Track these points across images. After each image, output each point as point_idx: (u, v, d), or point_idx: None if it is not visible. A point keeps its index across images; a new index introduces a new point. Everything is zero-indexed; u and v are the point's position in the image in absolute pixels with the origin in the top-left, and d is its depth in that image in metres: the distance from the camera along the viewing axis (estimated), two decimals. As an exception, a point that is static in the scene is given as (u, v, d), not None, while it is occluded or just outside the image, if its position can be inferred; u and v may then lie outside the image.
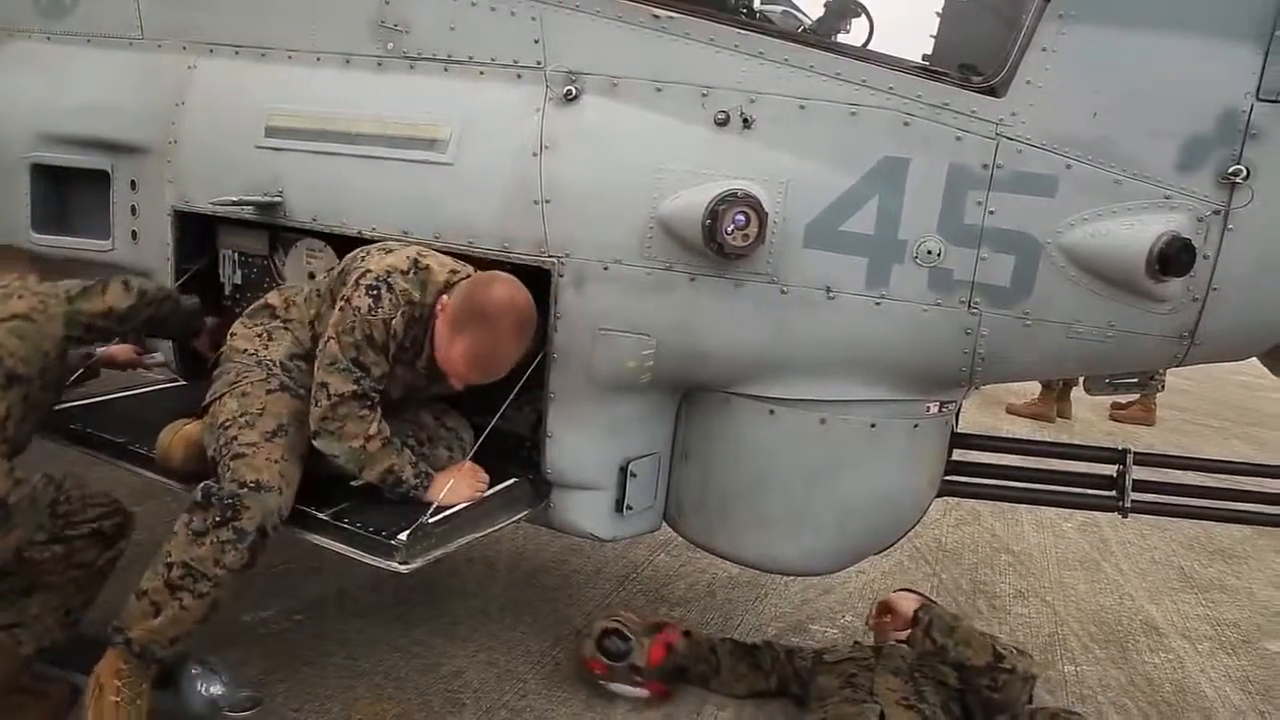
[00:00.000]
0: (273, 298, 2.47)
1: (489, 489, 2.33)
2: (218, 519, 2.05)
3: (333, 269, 2.39)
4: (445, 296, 2.21)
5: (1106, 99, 2.05)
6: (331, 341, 2.16)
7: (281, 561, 3.37)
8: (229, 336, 2.44)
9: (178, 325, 2.75)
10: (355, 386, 2.14)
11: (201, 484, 2.13)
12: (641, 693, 2.73)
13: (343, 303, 2.17)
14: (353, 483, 2.30)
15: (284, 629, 2.99)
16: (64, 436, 2.56)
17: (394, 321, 2.15)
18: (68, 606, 2.29)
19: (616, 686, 2.75)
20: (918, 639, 2.63)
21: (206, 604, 2.07)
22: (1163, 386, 7.09)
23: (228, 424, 2.21)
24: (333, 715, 2.56)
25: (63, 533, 2.18)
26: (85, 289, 2.42)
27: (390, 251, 2.24)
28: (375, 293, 2.14)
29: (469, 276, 2.26)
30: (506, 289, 2.16)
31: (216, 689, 2.29)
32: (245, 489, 2.08)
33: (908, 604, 2.73)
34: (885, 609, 2.82)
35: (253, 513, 2.06)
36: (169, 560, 2.07)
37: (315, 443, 2.18)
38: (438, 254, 2.28)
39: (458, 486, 2.24)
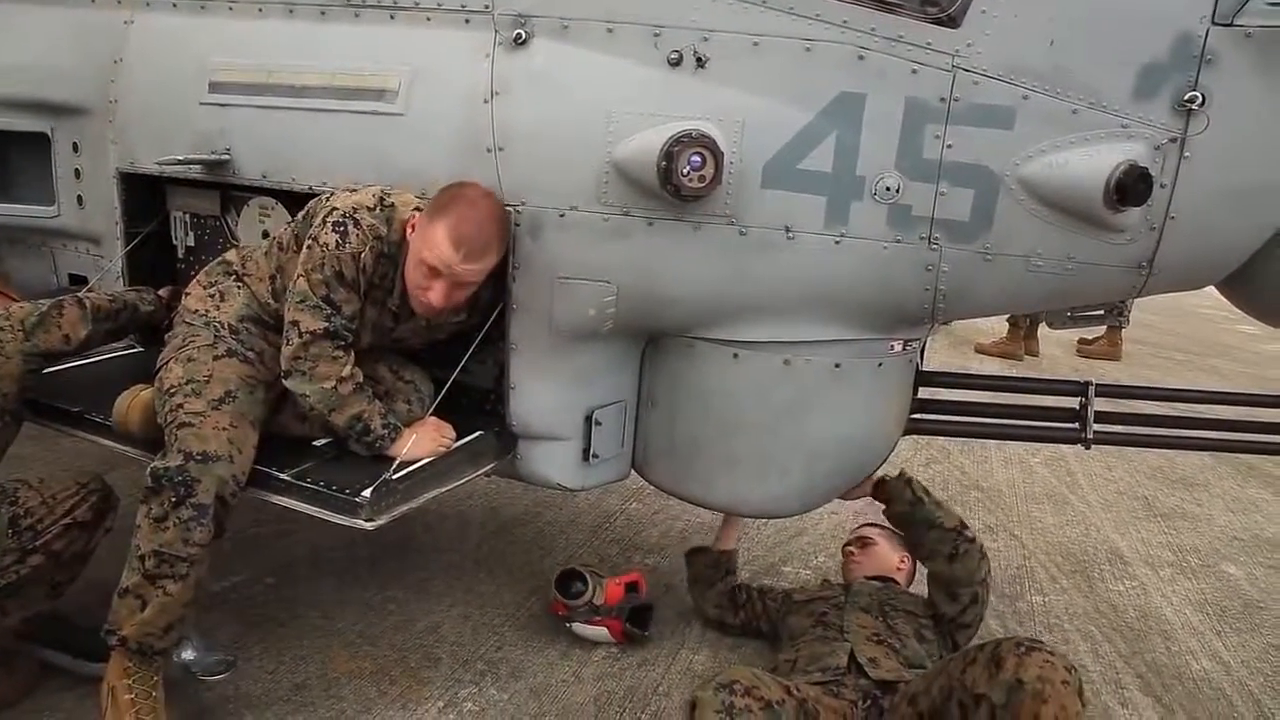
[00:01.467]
0: (231, 255, 2.43)
1: (454, 443, 2.31)
2: (173, 499, 2.01)
3: (292, 221, 2.33)
4: (415, 215, 2.17)
5: (1063, 27, 2.02)
6: (301, 279, 2.12)
7: (251, 525, 3.35)
8: (183, 295, 2.39)
9: (140, 326, 2.69)
10: (326, 324, 2.11)
11: (149, 468, 2.07)
12: (601, 631, 2.77)
13: (310, 241, 2.13)
14: (315, 443, 2.28)
15: (256, 592, 2.98)
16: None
17: (363, 255, 2.12)
18: (55, 579, 2.28)
19: (578, 627, 2.78)
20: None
21: (190, 585, 2.05)
22: (1128, 321, 7.17)
23: (173, 391, 2.17)
24: (308, 674, 2.57)
25: (33, 544, 2.15)
26: (42, 318, 2.36)
27: (355, 191, 2.20)
28: (342, 229, 2.10)
29: None
30: (478, 185, 2.15)
31: (188, 654, 2.29)
32: (192, 461, 2.03)
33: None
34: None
35: (205, 485, 2.02)
36: (140, 553, 2.03)
37: (286, 382, 2.15)
38: (398, 191, 2.23)
39: (421, 441, 2.22)
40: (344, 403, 2.14)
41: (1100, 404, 2.80)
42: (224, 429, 2.10)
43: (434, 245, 2.08)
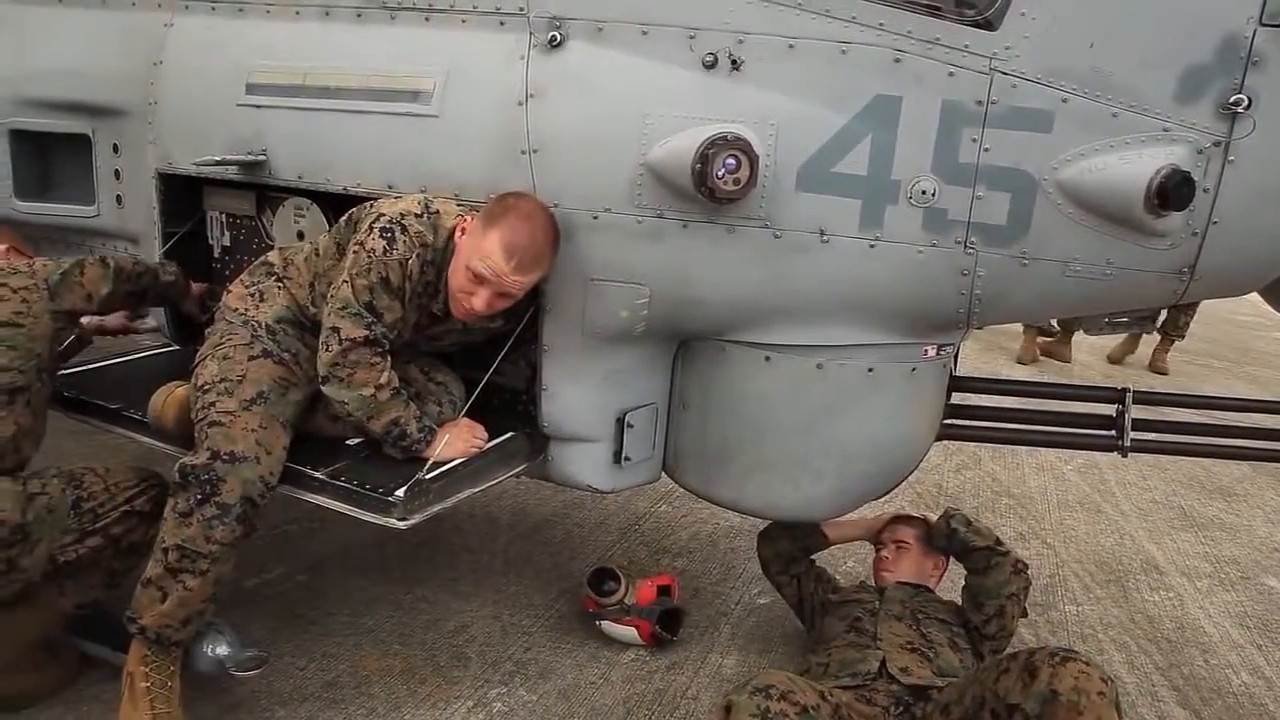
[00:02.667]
0: (273, 256, 2.45)
1: (486, 444, 2.32)
2: (199, 497, 2.04)
3: (333, 228, 2.34)
4: (465, 221, 2.18)
5: (1103, 29, 2.00)
6: (345, 285, 2.12)
7: (283, 523, 3.39)
8: (225, 293, 2.42)
9: (159, 296, 2.73)
10: (367, 332, 2.11)
11: (178, 463, 2.11)
12: (630, 631, 2.77)
13: (356, 247, 2.14)
14: (349, 441, 2.30)
15: (288, 589, 3.01)
16: (59, 405, 2.55)
17: (409, 263, 2.13)
18: (113, 567, 2.34)
19: (607, 625, 2.79)
20: (939, 527, 2.73)
21: (209, 581, 2.08)
22: (1183, 336, 7.11)
23: (207, 388, 2.20)
24: (339, 672, 2.59)
25: (93, 525, 2.20)
26: (64, 275, 2.40)
27: (399, 199, 2.21)
28: (390, 235, 2.11)
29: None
30: (533, 198, 2.15)
31: (222, 649, 2.31)
32: (219, 460, 2.06)
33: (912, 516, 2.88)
34: (898, 522, 2.90)
35: (230, 485, 2.05)
36: (164, 545, 2.07)
37: (324, 388, 2.16)
38: (441, 198, 2.25)
39: (454, 442, 2.23)
40: (381, 409, 2.15)
41: (1137, 411, 2.76)
42: (253, 430, 2.12)
43: (486, 254, 2.09)
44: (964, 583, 2.70)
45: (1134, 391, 2.75)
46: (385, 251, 2.10)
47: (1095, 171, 2.02)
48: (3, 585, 2.09)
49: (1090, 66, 2.00)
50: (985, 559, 2.61)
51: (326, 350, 2.13)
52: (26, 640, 2.24)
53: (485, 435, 2.32)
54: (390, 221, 2.13)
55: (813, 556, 2.93)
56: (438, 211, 2.18)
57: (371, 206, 2.22)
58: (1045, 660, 1.85)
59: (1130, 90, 1.99)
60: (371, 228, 2.13)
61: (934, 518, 2.82)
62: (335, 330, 2.12)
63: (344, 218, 2.30)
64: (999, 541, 2.66)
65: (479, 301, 2.14)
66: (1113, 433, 2.76)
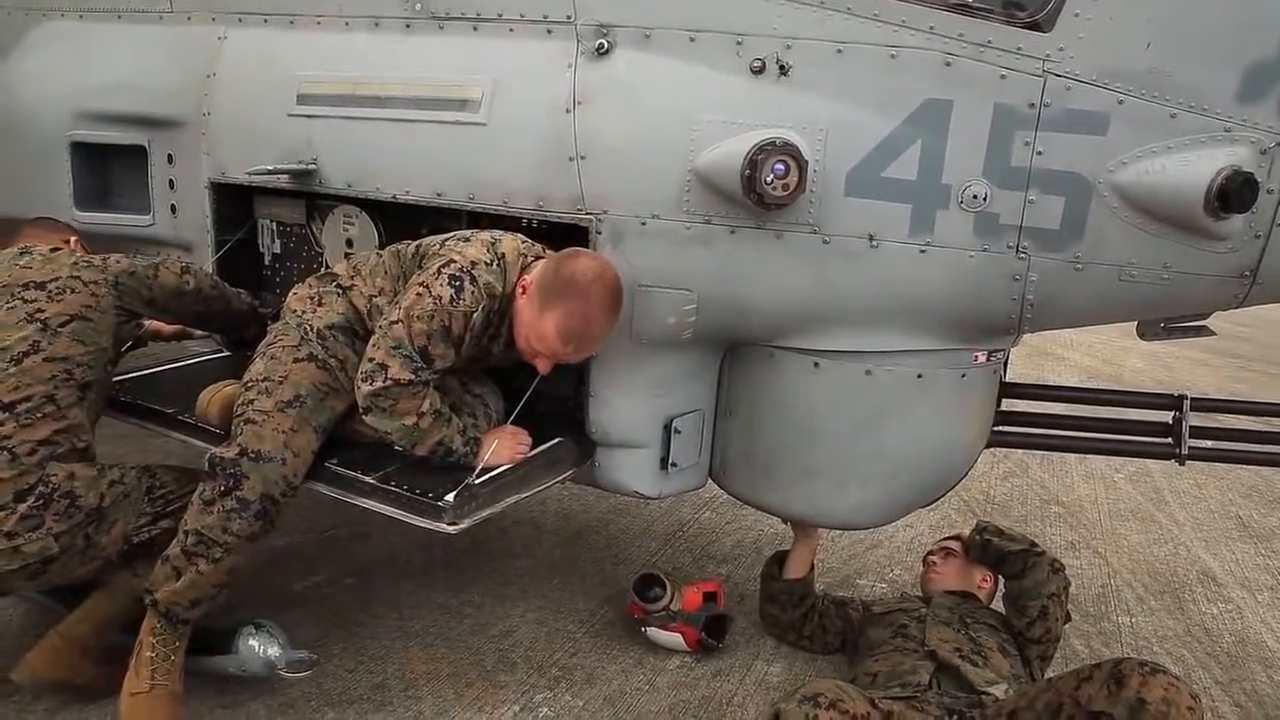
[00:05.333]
0: (340, 268, 2.45)
1: (532, 449, 2.32)
2: (221, 489, 2.10)
3: (399, 251, 2.36)
4: (525, 277, 2.19)
5: (1160, 28, 1.96)
6: (399, 325, 2.11)
7: (331, 527, 3.43)
8: (290, 295, 2.46)
9: (228, 322, 2.78)
10: (413, 376, 2.10)
11: (209, 453, 2.17)
12: (675, 638, 2.76)
13: (421, 288, 2.12)
14: (396, 446, 2.31)
15: (336, 593, 3.04)
16: (115, 408, 2.60)
17: (474, 316, 2.13)
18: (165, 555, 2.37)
19: (652, 631, 2.78)
20: (971, 539, 2.75)
21: (223, 569, 2.13)
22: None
23: (250, 385, 2.25)
24: (386, 675, 2.61)
25: (164, 510, 2.26)
26: (134, 274, 2.46)
27: (467, 241, 2.22)
28: (459, 284, 2.11)
29: (540, 255, 2.25)
30: (593, 260, 2.14)
31: (274, 651, 2.36)
32: (246, 457, 2.11)
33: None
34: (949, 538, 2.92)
35: (252, 482, 2.10)
36: (185, 528, 2.14)
37: (366, 418, 2.16)
38: (506, 235, 2.25)
39: (500, 450, 2.24)
40: (425, 435, 2.15)
41: (1195, 418, 2.70)
42: (283, 431, 2.16)
43: (543, 337, 2.13)
44: (1005, 591, 2.68)
45: (1191, 398, 2.69)
46: (452, 301, 2.10)
47: (1153, 174, 1.98)
48: (84, 562, 2.15)
49: (1147, 67, 1.97)
50: (1021, 562, 2.61)
51: (369, 383, 2.11)
52: (102, 621, 2.31)
53: (529, 441, 2.33)
54: (460, 270, 2.12)
55: (814, 601, 2.87)
56: (503, 255, 2.19)
57: (440, 247, 2.22)
58: (1134, 669, 1.83)
59: (1189, 90, 1.96)
60: (440, 272, 2.12)
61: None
62: (383, 367, 2.10)
63: (412, 246, 2.32)
64: (1033, 544, 2.65)
65: (543, 366, 2.22)
66: (1169, 440, 2.70)
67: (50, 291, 2.27)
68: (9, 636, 2.61)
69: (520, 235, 2.29)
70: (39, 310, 2.23)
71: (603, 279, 2.12)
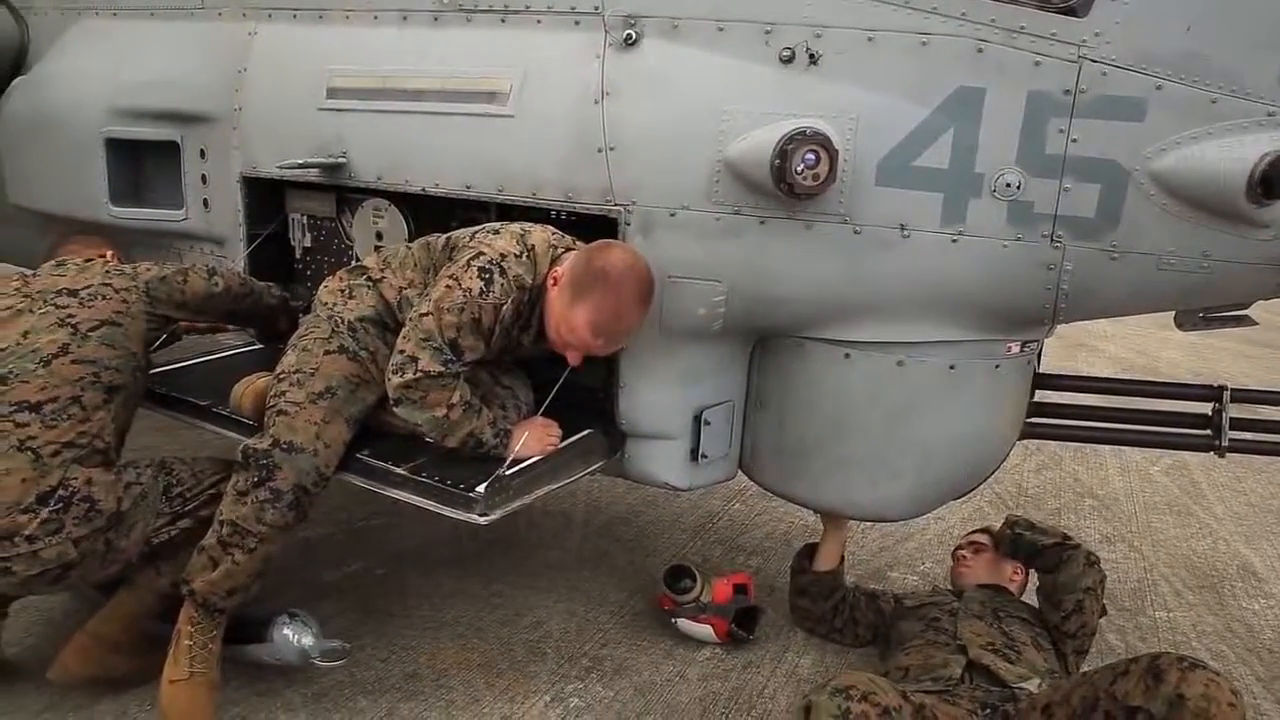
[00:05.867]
0: (370, 260, 2.47)
1: (562, 441, 2.33)
2: (255, 480, 2.13)
3: (428, 244, 2.37)
4: (556, 269, 2.20)
5: (1200, 11, 1.92)
6: (429, 318, 2.11)
7: (362, 518, 3.46)
8: (321, 288, 2.48)
9: (259, 317, 2.82)
10: (443, 368, 2.10)
11: (242, 444, 2.19)
12: (705, 629, 2.75)
13: (451, 280, 2.13)
14: (428, 438, 2.32)
15: (368, 583, 3.07)
16: (150, 400, 2.64)
17: (504, 308, 2.14)
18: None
19: (683, 623, 2.78)
20: (1001, 533, 2.71)
21: (257, 558, 2.16)
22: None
23: (282, 377, 2.27)
24: (418, 664, 2.63)
25: (183, 509, 2.29)
26: (164, 280, 2.50)
27: (497, 233, 2.22)
28: (488, 276, 2.11)
29: (571, 247, 2.25)
30: (624, 253, 2.14)
31: (307, 640, 2.38)
32: (278, 449, 2.14)
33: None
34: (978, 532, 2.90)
35: (285, 473, 2.12)
36: (220, 518, 2.17)
37: (397, 410, 2.18)
38: (536, 227, 2.26)
39: (530, 442, 2.25)
40: (455, 427, 2.16)
41: (1234, 410, 2.65)
42: (315, 423, 2.18)
43: (574, 329, 2.15)
44: (1038, 585, 2.65)
45: (1231, 389, 2.64)
46: (482, 293, 2.11)
47: (1192, 160, 1.95)
48: (105, 565, 2.18)
49: (1186, 51, 1.93)
50: (1056, 556, 2.57)
51: (399, 375, 2.11)
52: (128, 619, 2.35)
53: (559, 432, 2.33)
54: (490, 262, 2.13)
55: (843, 593, 2.86)
56: (533, 247, 2.19)
57: (470, 239, 2.23)
58: (1172, 664, 1.79)
59: (1230, 74, 1.92)
60: (470, 264, 2.13)
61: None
62: (413, 360, 2.10)
63: (442, 239, 2.33)
64: (1067, 537, 2.61)
65: (574, 357, 2.23)
66: (1208, 432, 2.65)
67: (82, 298, 2.33)
68: (51, 623, 2.66)
69: (550, 227, 2.29)
70: (70, 315, 2.28)
71: (634, 271, 2.12)
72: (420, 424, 2.17)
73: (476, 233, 2.26)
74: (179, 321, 2.61)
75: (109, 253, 2.71)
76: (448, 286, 2.13)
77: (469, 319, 2.11)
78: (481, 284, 2.11)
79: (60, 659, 2.30)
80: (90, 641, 2.32)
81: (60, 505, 2.07)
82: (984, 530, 2.89)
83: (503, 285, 2.12)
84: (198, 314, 2.60)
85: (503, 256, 2.14)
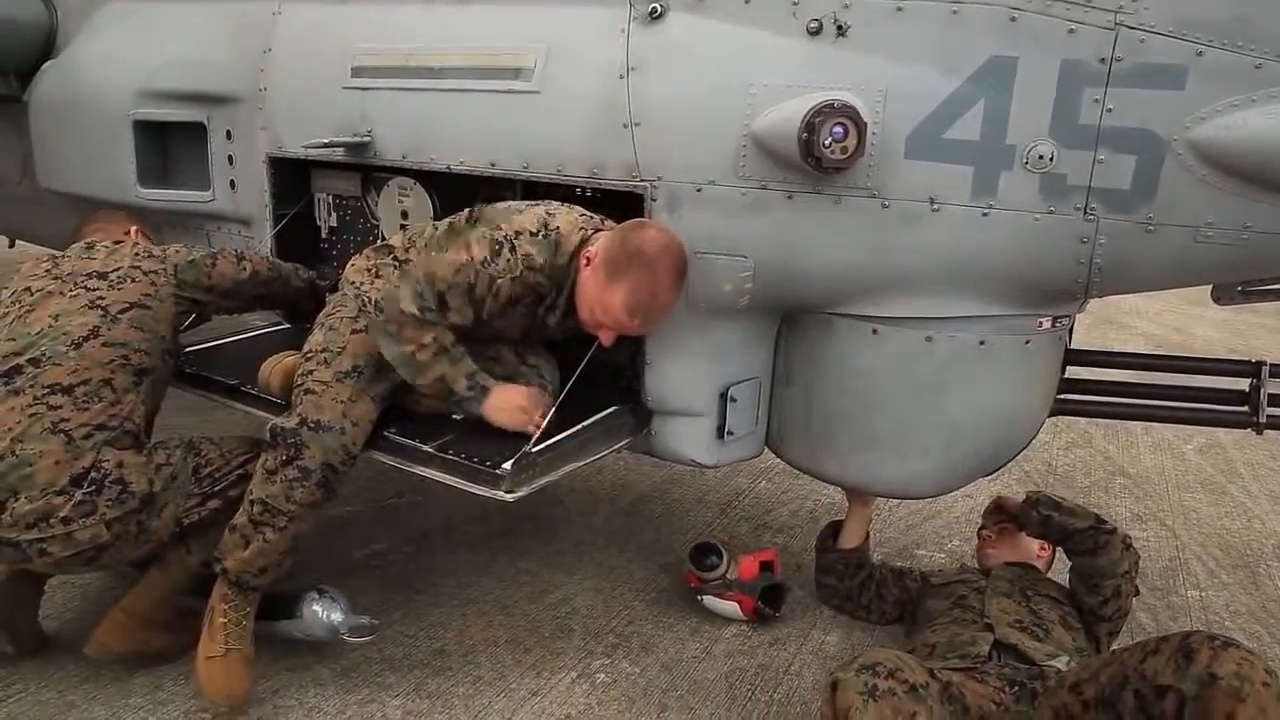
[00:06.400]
0: (396, 239, 2.46)
1: (589, 419, 2.32)
2: (284, 458, 2.15)
3: (455, 220, 2.33)
4: (588, 249, 2.18)
5: (1246, -29, 1.86)
6: (427, 265, 2.15)
7: (389, 496, 3.49)
8: (348, 267, 2.48)
9: (287, 300, 2.84)
10: (417, 313, 2.12)
11: (270, 423, 2.22)
12: (732, 606, 2.75)
13: (463, 244, 2.16)
14: (454, 416, 2.33)
15: (395, 560, 3.10)
16: (179, 380, 2.67)
17: (501, 282, 2.14)
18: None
19: (709, 600, 2.78)
20: (1027, 515, 2.61)
21: (287, 536, 2.19)
22: None
23: (310, 355, 2.30)
24: (445, 640, 2.65)
25: (212, 489, 2.31)
26: (192, 264, 2.52)
27: (521, 212, 2.22)
28: (498, 248, 2.13)
29: (600, 228, 2.24)
30: (659, 232, 2.13)
31: (336, 616, 2.41)
32: (306, 427, 2.16)
33: (1013, 499, 2.75)
34: (997, 504, 2.82)
35: (313, 452, 2.14)
36: (251, 497, 2.20)
37: (376, 339, 2.19)
38: (564, 209, 2.24)
39: (504, 407, 2.20)
40: (424, 368, 2.16)
41: (1272, 386, 2.59)
42: (342, 401, 2.20)
43: (609, 310, 2.13)
44: (1070, 566, 2.59)
45: (1271, 365, 2.59)
46: (485, 262, 2.12)
47: (1233, 129, 1.89)
48: (137, 546, 2.21)
49: (1229, 15, 1.86)
50: (1092, 540, 2.50)
51: (382, 304, 2.14)
52: (161, 596, 2.38)
53: (548, 405, 2.24)
54: (504, 236, 2.14)
55: (870, 570, 2.84)
56: (557, 228, 2.18)
57: (491, 215, 2.22)
58: (1204, 643, 1.75)
59: (1276, 38, 1.85)
60: (485, 234, 2.15)
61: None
62: (395, 291, 2.14)
63: (465, 215, 2.32)
64: (1100, 519, 2.54)
65: (606, 338, 2.21)
66: (1245, 408, 2.60)
67: (111, 280, 2.35)
68: (89, 598, 2.71)
69: (578, 208, 2.28)
70: (100, 298, 2.31)
71: (670, 250, 2.10)
72: (391, 358, 2.17)
73: (501, 207, 2.25)
74: (206, 304, 2.63)
75: (133, 228, 2.72)
76: (458, 248, 2.15)
77: (463, 281, 2.12)
78: (487, 254, 2.12)
79: (96, 636, 2.34)
80: (125, 618, 2.35)
81: (93, 488, 2.09)
82: (998, 506, 2.82)
83: (509, 260, 2.12)
84: (224, 298, 2.62)
85: (517, 234, 2.14)
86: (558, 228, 2.18)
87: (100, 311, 2.28)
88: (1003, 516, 2.79)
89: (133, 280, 2.37)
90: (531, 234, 2.15)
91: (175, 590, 2.40)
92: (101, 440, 2.15)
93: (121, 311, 2.30)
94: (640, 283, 2.08)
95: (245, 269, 2.60)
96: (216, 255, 2.59)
